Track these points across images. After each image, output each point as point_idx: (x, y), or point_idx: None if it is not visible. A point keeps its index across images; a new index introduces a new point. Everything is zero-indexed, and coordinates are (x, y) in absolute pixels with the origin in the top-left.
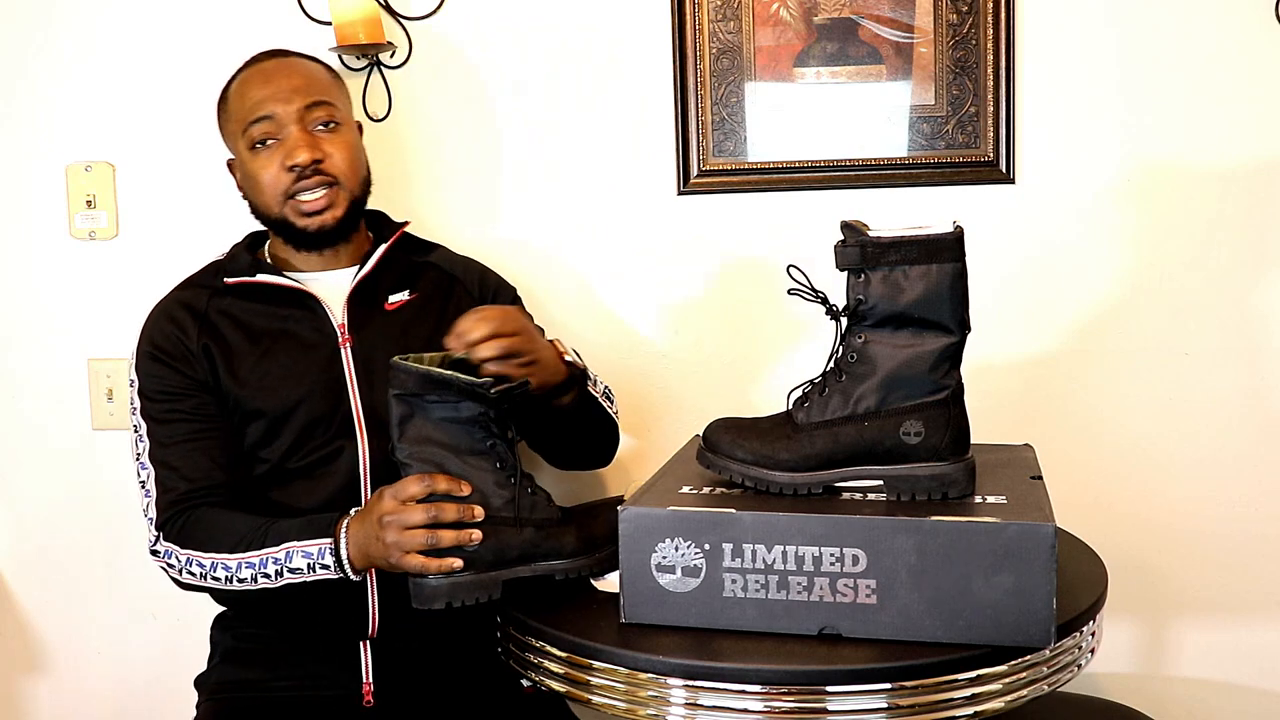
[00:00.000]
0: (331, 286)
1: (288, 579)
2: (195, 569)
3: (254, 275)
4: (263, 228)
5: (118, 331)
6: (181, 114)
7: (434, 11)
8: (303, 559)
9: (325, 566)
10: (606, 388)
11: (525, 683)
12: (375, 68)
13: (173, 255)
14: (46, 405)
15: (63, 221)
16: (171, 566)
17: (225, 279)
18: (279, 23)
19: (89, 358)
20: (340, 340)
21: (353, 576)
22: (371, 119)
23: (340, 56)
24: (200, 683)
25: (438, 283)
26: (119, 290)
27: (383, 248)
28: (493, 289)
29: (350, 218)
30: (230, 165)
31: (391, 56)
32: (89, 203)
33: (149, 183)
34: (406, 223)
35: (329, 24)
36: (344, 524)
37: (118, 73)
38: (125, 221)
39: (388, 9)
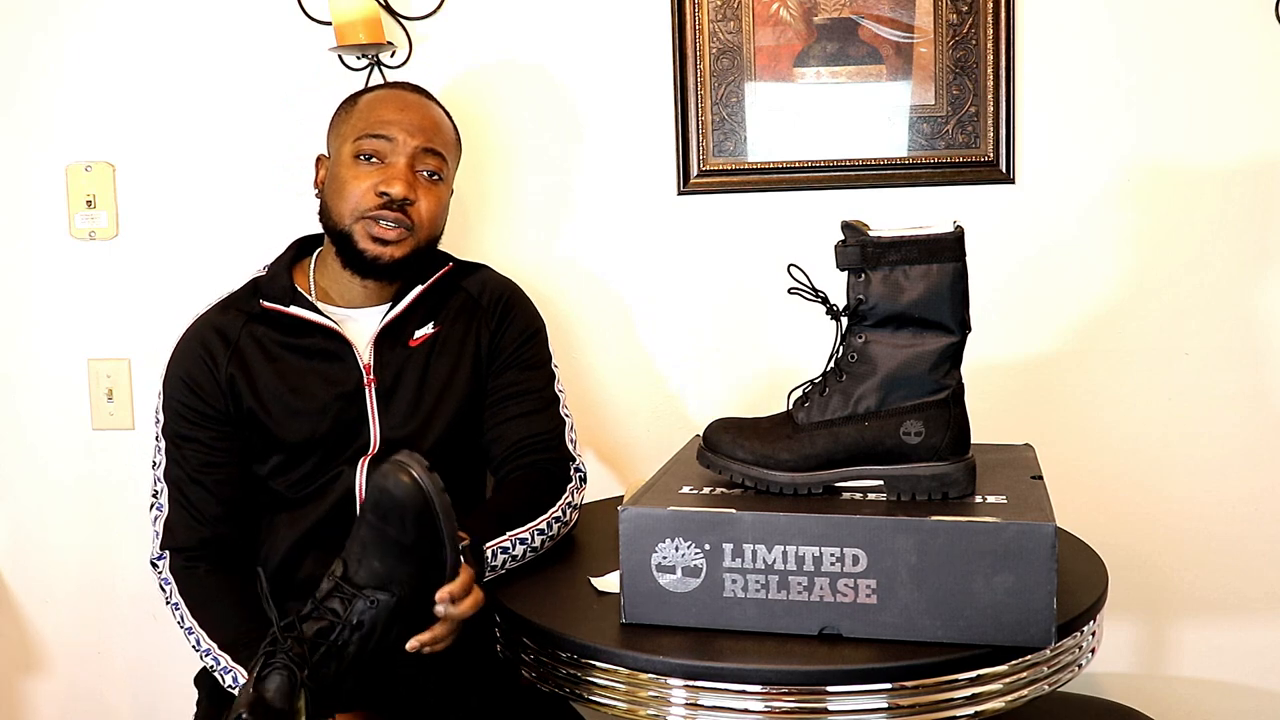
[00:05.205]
0: (362, 326)
1: (224, 682)
2: (178, 615)
3: (289, 306)
4: (316, 232)
5: (118, 331)
6: (181, 114)
7: (434, 11)
8: (230, 678)
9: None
10: (533, 543)
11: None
12: (375, 68)
13: (173, 255)
14: (46, 405)
15: (63, 221)
16: (163, 591)
17: (261, 301)
18: (279, 23)
19: (89, 358)
20: (365, 380)
21: None
22: None
23: (340, 56)
24: (200, 680)
25: (462, 312)
26: (119, 290)
27: (416, 290)
28: (507, 324)
29: (407, 263)
30: (319, 161)
31: (391, 56)
32: (89, 203)
33: (149, 183)
34: (450, 262)
35: (329, 24)
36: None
37: (118, 73)
38: (125, 221)
39: (388, 9)
